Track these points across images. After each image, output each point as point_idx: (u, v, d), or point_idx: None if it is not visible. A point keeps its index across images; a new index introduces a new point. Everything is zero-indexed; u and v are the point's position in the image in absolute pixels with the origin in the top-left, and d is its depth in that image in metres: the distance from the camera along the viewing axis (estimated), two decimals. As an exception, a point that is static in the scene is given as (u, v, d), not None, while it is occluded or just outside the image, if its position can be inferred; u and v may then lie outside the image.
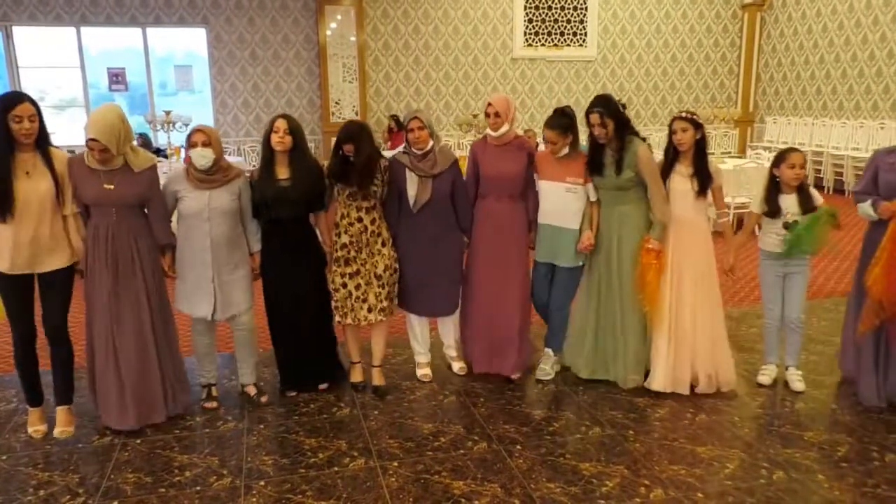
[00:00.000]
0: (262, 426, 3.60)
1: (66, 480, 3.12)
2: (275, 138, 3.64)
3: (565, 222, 3.92)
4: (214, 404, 3.82)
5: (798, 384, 3.93)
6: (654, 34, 12.89)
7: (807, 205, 3.74)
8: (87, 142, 3.30)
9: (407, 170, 3.88)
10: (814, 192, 3.81)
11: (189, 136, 3.59)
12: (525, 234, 4.05)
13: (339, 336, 4.11)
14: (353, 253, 3.80)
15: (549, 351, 4.15)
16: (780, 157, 3.79)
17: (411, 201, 3.88)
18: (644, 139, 3.88)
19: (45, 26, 10.83)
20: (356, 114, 11.46)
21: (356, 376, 4.05)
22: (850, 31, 11.18)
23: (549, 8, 12.37)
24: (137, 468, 3.22)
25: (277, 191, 3.66)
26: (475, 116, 10.09)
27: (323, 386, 3.99)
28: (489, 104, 3.92)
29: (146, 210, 3.56)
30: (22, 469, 3.23)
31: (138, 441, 3.47)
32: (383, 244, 3.86)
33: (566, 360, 4.21)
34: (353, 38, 11.41)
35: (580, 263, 3.99)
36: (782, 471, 3.12)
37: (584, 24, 12.56)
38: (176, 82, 11.94)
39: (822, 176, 10.96)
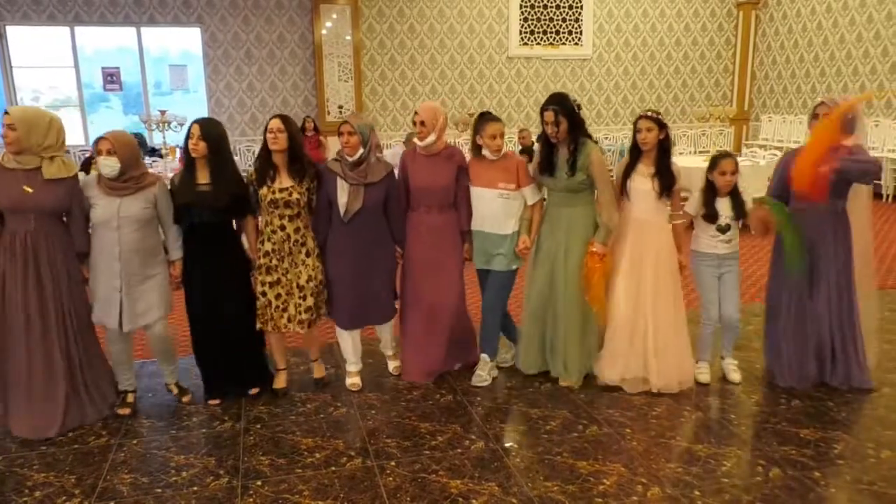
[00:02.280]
0: (258, 426, 3.60)
1: (63, 481, 3.11)
2: (189, 144, 3.61)
3: (497, 228, 3.90)
4: (127, 410, 3.73)
5: (734, 374, 4.04)
6: (649, 32, 12.90)
7: (739, 209, 3.85)
8: (2, 114, 3.36)
9: (338, 178, 3.77)
10: (745, 197, 3.92)
11: (94, 144, 3.53)
12: (457, 243, 4.01)
13: (267, 341, 4.09)
14: (274, 261, 3.75)
15: (484, 356, 4.09)
16: (713, 164, 3.88)
17: (342, 210, 3.76)
18: (596, 142, 3.88)
19: (38, 25, 10.80)
20: (347, 112, 11.45)
21: (279, 383, 3.98)
22: (845, 28, 11.21)
23: (545, 7, 12.38)
24: (134, 469, 3.21)
25: (196, 196, 3.62)
26: (471, 115, 10.09)
27: (254, 391, 3.92)
28: (416, 112, 3.87)
29: (66, 218, 3.54)
30: (17, 470, 3.21)
31: (134, 441, 3.46)
32: (308, 254, 3.79)
33: (518, 360, 4.20)
34: (348, 37, 11.39)
35: (514, 267, 3.98)
36: (779, 468, 3.12)
37: (580, 23, 12.57)
38: (171, 82, 11.91)
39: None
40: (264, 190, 3.71)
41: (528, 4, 12.30)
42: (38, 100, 11.73)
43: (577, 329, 3.92)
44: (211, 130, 3.62)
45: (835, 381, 3.90)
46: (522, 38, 12.40)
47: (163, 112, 8.79)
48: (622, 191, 3.83)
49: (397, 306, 4.14)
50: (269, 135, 3.67)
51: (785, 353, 3.93)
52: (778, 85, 12.72)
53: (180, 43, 11.92)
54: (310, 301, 3.80)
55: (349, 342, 4.03)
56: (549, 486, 3.00)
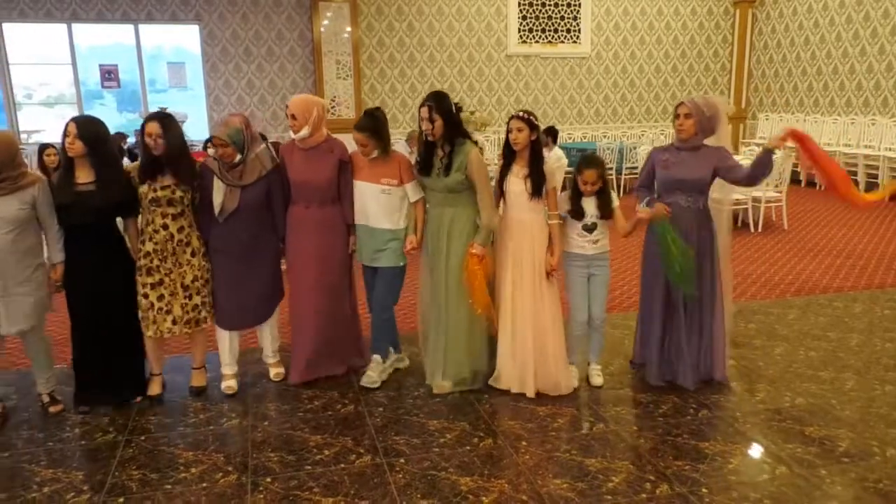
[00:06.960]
0: (266, 423, 3.60)
1: (71, 477, 3.12)
2: (65, 142, 3.49)
3: (382, 223, 3.87)
4: None
5: (597, 379, 4.01)
6: (646, 31, 12.93)
7: (605, 208, 3.82)
8: None
9: (215, 177, 3.73)
10: (613, 195, 3.90)
11: None
12: (340, 238, 3.95)
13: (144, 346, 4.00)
14: (156, 262, 3.66)
15: (376, 357, 4.04)
16: (578, 168, 3.84)
17: (216, 209, 3.72)
18: (476, 142, 3.84)
19: (35, 23, 10.74)
20: (347, 109, 11.44)
21: (154, 389, 3.88)
22: (841, 27, 11.26)
23: (543, 5, 12.39)
24: (142, 465, 3.21)
25: (76, 196, 3.52)
26: (472, 113, 10.08)
27: (137, 399, 3.84)
28: (287, 105, 3.78)
29: None
30: (25, 466, 3.22)
31: (142, 438, 3.46)
32: (193, 254, 3.74)
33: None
34: (347, 35, 11.38)
35: (401, 264, 3.94)
36: (785, 466, 3.15)
37: (578, 21, 12.58)
38: (169, 79, 11.87)
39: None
40: (145, 188, 3.62)
41: (527, 2, 12.31)
42: (33, 97, 11.68)
43: (461, 333, 3.86)
44: (89, 130, 3.51)
45: (686, 381, 3.91)
46: (521, 37, 12.40)
47: (163, 109, 8.76)
48: (500, 192, 3.83)
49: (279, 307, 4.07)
50: (146, 138, 3.60)
51: (654, 351, 3.97)
52: (775, 83, 12.77)
53: (178, 40, 11.88)
54: (196, 300, 3.77)
55: (226, 344, 3.98)
56: (559, 484, 3.01)
